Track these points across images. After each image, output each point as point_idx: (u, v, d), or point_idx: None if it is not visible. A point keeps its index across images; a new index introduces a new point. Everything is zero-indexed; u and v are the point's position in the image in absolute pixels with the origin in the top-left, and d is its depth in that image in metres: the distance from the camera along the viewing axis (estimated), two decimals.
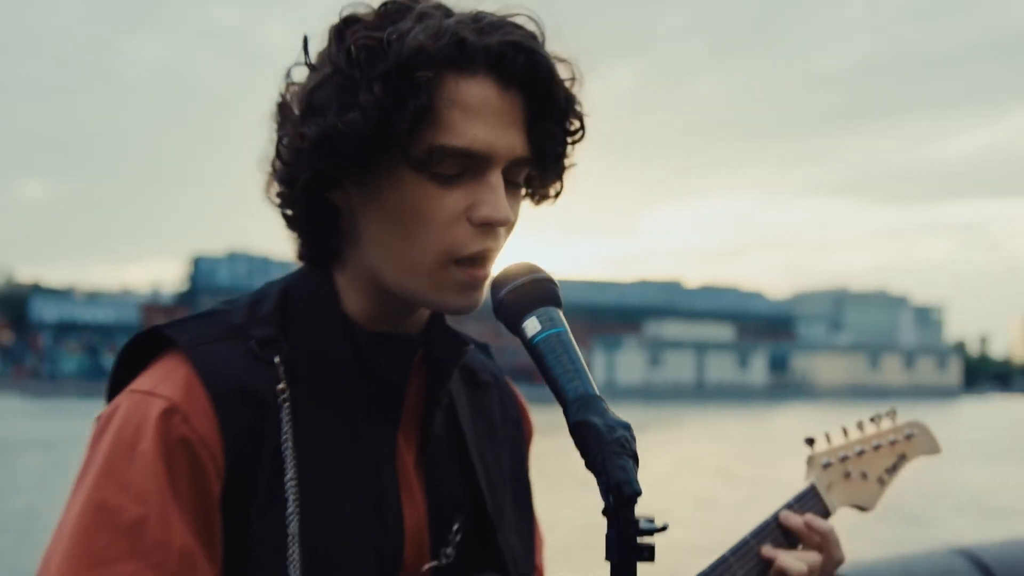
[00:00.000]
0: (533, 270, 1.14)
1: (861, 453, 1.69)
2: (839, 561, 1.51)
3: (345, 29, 1.22)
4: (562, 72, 1.26)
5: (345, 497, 1.26)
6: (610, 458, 0.97)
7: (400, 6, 1.23)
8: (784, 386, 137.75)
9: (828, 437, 1.68)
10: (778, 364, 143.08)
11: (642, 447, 1.03)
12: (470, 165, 1.21)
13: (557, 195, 1.35)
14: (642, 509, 0.98)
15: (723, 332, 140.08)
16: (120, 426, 1.19)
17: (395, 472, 1.31)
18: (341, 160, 1.21)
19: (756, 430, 53.94)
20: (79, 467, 1.21)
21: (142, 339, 1.27)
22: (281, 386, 1.24)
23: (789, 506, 1.55)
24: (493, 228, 1.23)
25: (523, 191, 1.30)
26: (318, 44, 1.26)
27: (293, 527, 1.21)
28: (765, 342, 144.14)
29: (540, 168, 1.29)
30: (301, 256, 1.33)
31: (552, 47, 1.27)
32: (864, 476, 1.68)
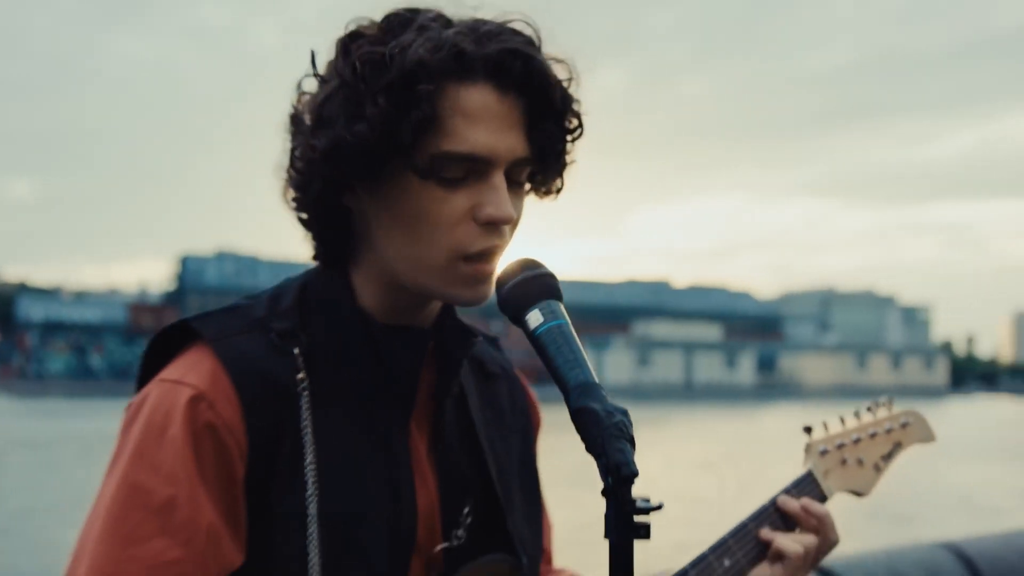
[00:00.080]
0: (535, 266, 1.20)
1: (857, 441, 1.73)
2: (834, 543, 1.57)
3: (350, 43, 1.28)
4: (559, 73, 1.32)
5: (361, 480, 1.32)
6: (609, 441, 1.02)
7: (402, 19, 1.29)
8: (772, 386, 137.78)
9: (826, 426, 1.72)
10: (766, 364, 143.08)
11: None
12: (474, 168, 1.27)
13: (559, 191, 1.41)
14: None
15: (711, 332, 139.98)
16: (151, 413, 1.26)
17: (408, 457, 1.37)
18: (350, 169, 1.27)
19: (744, 430, 53.96)
20: (112, 452, 1.28)
21: (170, 332, 1.33)
22: (300, 375, 1.31)
23: (787, 491, 1.60)
24: (498, 226, 1.28)
25: (526, 188, 1.36)
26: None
27: (312, 507, 1.27)
28: (753, 342, 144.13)
29: (541, 166, 1.35)
30: (316, 256, 1.40)
31: (548, 49, 1.32)
32: (860, 463, 1.72)
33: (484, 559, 1.41)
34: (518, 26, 1.31)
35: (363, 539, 1.31)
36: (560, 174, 1.39)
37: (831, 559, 2.89)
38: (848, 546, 2.14)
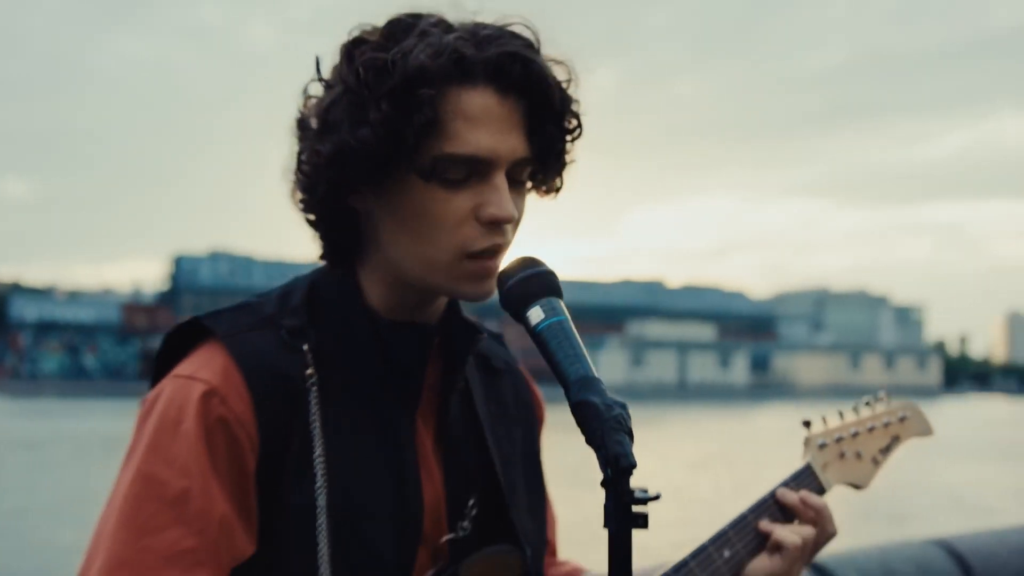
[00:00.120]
0: (535, 264, 1.22)
1: (856, 434, 1.74)
2: (832, 534, 1.59)
3: (354, 49, 1.31)
4: (559, 74, 1.35)
5: (369, 472, 1.35)
6: (608, 434, 1.04)
7: (404, 24, 1.32)
8: (765, 386, 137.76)
9: (824, 420, 1.73)
10: (759, 364, 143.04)
11: None
12: (476, 169, 1.30)
13: (559, 189, 1.44)
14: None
15: (705, 332, 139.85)
16: (165, 407, 1.29)
17: (415, 451, 1.40)
18: (355, 173, 1.31)
19: (738, 429, 53.99)
20: (127, 445, 1.32)
21: (184, 329, 1.37)
22: (310, 371, 1.35)
23: (786, 484, 1.62)
24: (500, 225, 1.32)
25: (528, 186, 1.40)
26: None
27: (321, 499, 1.31)
28: (747, 342, 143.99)
29: (541, 166, 1.38)
30: (324, 256, 1.43)
31: (548, 51, 1.35)
32: (859, 456, 1.74)
33: (488, 550, 1.44)
34: (518, 29, 1.34)
35: (371, 530, 1.34)
36: (560, 173, 1.42)
37: (824, 556, 2.90)
38: (841, 545, 2.16)
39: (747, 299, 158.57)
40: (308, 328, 1.37)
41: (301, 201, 1.38)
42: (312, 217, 1.39)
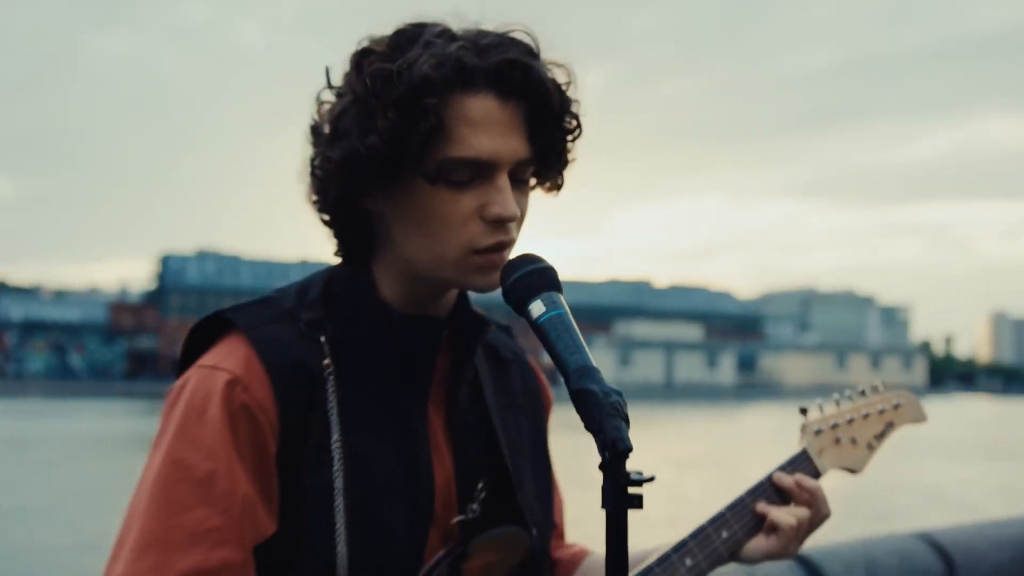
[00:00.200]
0: (536, 260, 1.30)
1: (851, 421, 1.79)
2: (826, 516, 1.66)
3: (362, 59, 1.39)
4: (558, 77, 1.42)
5: (383, 457, 1.43)
6: (606, 419, 1.09)
7: (409, 35, 1.39)
8: (752, 385, 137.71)
9: (820, 407, 1.78)
10: (746, 364, 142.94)
11: None
12: (479, 171, 1.37)
13: (561, 186, 1.52)
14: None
15: (692, 332, 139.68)
16: (191, 395, 1.37)
17: (426, 437, 1.48)
18: (364, 178, 1.38)
19: (725, 429, 54.06)
20: (156, 431, 1.39)
21: (208, 322, 1.45)
22: (327, 361, 1.42)
23: (782, 468, 1.68)
24: (504, 223, 1.39)
25: (531, 184, 1.48)
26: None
27: (339, 482, 1.38)
28: (733, 342, 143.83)
29: (543, 166, 1.46)
30: (338, 253, 1.51)
31: (547, 55, 1.42)
32: (854, 442, 1.79)
33: (496, 531, 1.52)
34: (518, 36, 1.41)
35: (385, 511, 1.42)
36: (561, 171, 1.50)
37: (809, 548, 2.95)
38: (825, 539, 2.21)
39: (734, 299, 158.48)
40: (325, 321, 1.45)
41: (315, 203, 1.46)
42: (326, 217, 1.47)
